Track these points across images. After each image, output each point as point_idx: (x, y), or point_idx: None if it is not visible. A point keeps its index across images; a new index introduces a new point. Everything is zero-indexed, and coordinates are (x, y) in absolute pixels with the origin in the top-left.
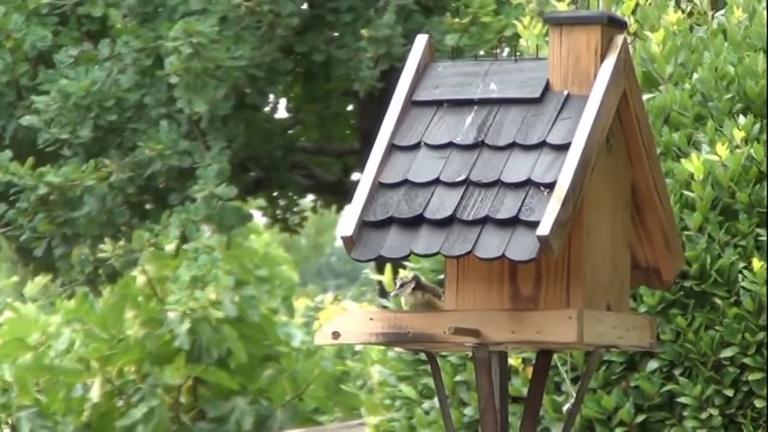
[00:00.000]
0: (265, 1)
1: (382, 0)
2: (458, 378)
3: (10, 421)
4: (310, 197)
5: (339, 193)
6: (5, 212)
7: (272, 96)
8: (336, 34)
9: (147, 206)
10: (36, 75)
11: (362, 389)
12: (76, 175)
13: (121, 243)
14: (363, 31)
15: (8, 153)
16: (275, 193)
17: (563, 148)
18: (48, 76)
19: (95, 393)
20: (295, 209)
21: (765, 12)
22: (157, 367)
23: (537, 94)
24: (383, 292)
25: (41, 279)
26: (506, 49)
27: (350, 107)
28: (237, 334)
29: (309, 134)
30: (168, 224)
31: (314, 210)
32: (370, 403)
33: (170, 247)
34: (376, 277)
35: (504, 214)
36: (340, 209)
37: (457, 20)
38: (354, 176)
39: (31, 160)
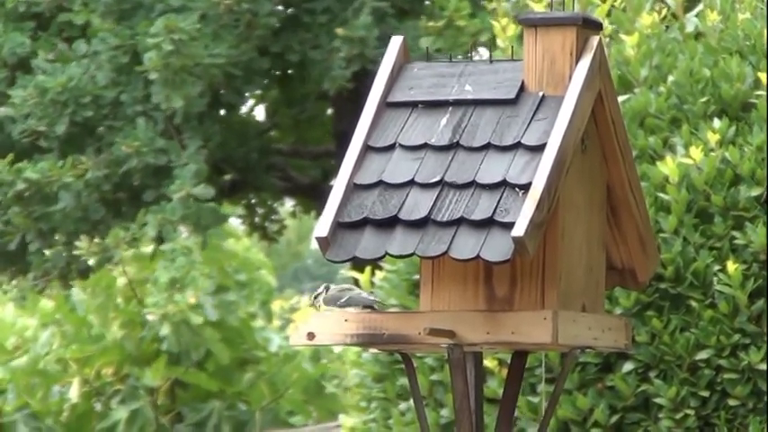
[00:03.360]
0: (244, 0)
1: (358, 1)
2: (434, 378)
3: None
4: (289, 203)
5: (316, 197)
6: None
7: (248, 96)
8: (311, 35)
9: (122, 204)
10: (14, 81)
11: (340, 388)
12: (53, 171)
13: (96, 240)
14: (339, 30)
15: None
16: (253, 200)
17: (538, 149)
18: (26, 81)
19: (74, 394)
20: (273, 216)
21: (766, 11)
22: (137, 369)
23: (512, 95)
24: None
25: (39, 306)
26: (481, 52)
27: (328, 111)
28: (218, 336)
29: (285, 137)
30: (145, 223)
31: (293, 215)
32: (347, 403)
33: (148, 249)
34: (351, 274)
35: (479, 215)
36: (318, 214)
37: (432, 23)
38: (331, 180)
39: (10, 156)
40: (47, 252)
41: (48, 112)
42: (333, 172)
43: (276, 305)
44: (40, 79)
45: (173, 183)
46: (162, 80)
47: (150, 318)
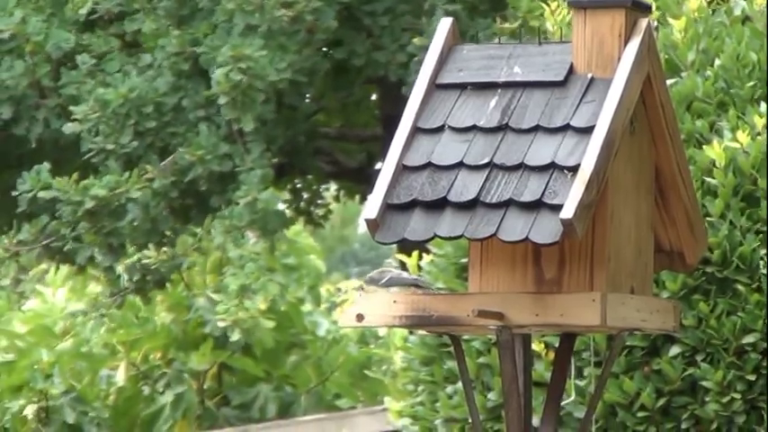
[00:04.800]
0: (307, 11)
1: (428, 3)
2: (481, 361)
3: (45, 406)
4: (333, 187)
5: (362, 181)
6: (47, 225)
7: (308, 96)
8: (374, 38)
9: (191, 209)
10: (59, 76)
11: (386, 375)
12: (120, 185)
13: (165, 249)
14: (415, 41)
15: (46, 165)
16: (299, 185)
17: (587, 131)
18: (71, 77)
19: (121, 378)
20: (319, 201)
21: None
22: (183, 353)
23: (561, 77)
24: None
25: (90, 289)
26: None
27: (373, 96)
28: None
29: (332, 120)
30: (212, 228)
31: (336, 199)
32: (393, 388)
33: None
34: (399, 257)
35: (527, 197)
36: (363, 198)
37: (507, 24)
38: (378, 165)
39: (74, 176)
40: (118, 267)
41: (111, 125)
42: (378, 156)
43: (323, 289)
44: (100, 92)
45: (239, 188)
46: (231, 103)
47: (221, 324)
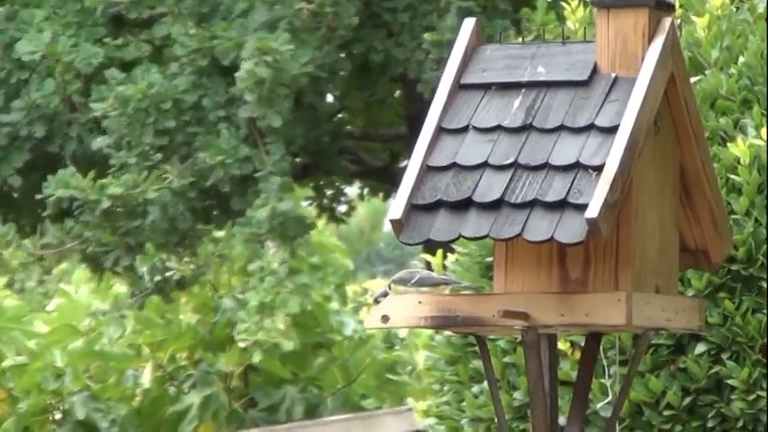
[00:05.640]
0: (327, 3)
1: (444, 1)
2: (507, 360)
3: (61, 407)
4: (357, 185)
5: (386, 180)
6: (72, 228)
7: (329, 95)
8: (393, 34)
9: (211, 210)
10: (89, 91)
11: (411, 376)
12: (139, 184)
13: (187, 259)
14: (426, 36)
15: (72, 169)
16: (321, 182)
17: (611, 130)
18: (100, 92)
19: (147, 379)
20: (342, 198)
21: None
22: (210, 354)
23: (585, 77)
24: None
25: (113, 290)
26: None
27: (396, 93)
28: (291, 321)
29: (356, 120)
30: (232, 236)
31: (360, 197)
32: (416, 390)
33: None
34: (425, 257)
35: (552, 197)
36: (387, 196)
37: (521, 39)
38: (402, 163)
39: (92, 173)
40: (140, 269)
41: (132, 121)
42: (402, 154)
43: (350, 289)
44: (119, 90)
45: (258, 191)
46: (257, 99)
47: (242, 345)
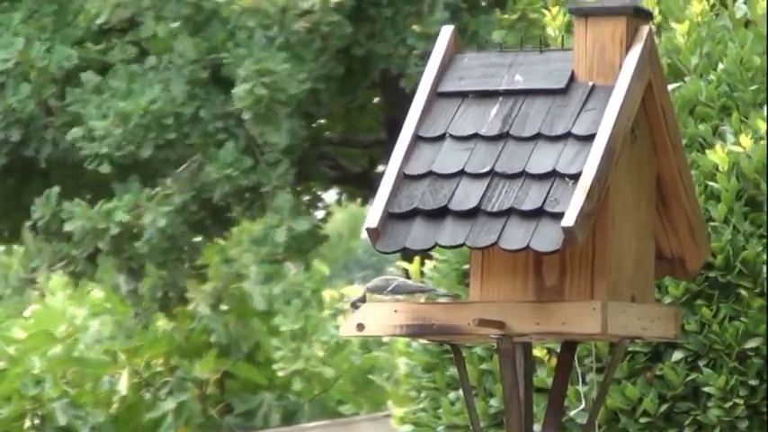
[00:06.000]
0: (323, 22)
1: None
2: (484, 367)
3: (40, 413)
4: (334, 190)
5: (364, 185)
6: (61, 250)
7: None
8: (377, 28)
9: (205, 222)
10: (63, 94)
11: (389, 380)
12: (141, 203)
13: (204, 287)
14: (415, 27)
15: (56, 189)
16: (299, 188)
17: (588, 139)
18: (75, 95)
19: (123, 385)
20: (320, 204)
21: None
22: (186, 360)
23: (562, 85)
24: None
25: (89, 296)
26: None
27: (376, 99)
28: (267, 328)
29: (335, 126)
30: (243, 256)
31: (338, 202)
32: (396, 395)
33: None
34: (402, 264)
35: (528, 205)
36: (365, 201)
37: (506, 15)
38: (380, 168)
39: (101, 204)
40: (142, 290)
41: (133, 137)
42: (381, 160)
43: (327, 294)
44: (120, 105)
45: (263, 207)
46: (255, 117)
47: (281, 374)
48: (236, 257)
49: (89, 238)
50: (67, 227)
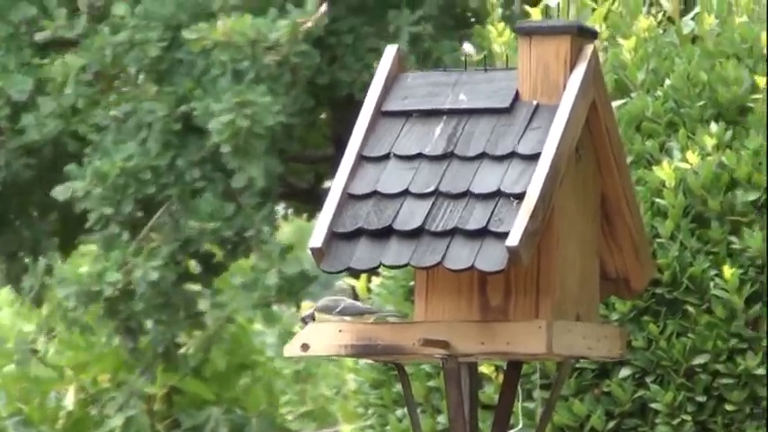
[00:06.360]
0: (292, 53)
1: (393, 26)
2: (431, 384)
3: None
4: (281, 205)
5: (311, 201)
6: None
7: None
8: (337, 57)
9: (192, 268)
10: (18, 118)
11: (338, 395)
12: (128, 258)
13: (197, 332)
14: (376, 64)
15: (42, 263)
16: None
17: (533, 158)
18: (29, 120)
19: (70, 401)
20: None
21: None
22: (133, 376)
23: (506, 104)
24: (356, 298)
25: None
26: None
27: (322, 115)
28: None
29: (292, 141)
30: (234, 296)
31: (285, 217)
32: (345, 410)
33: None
34: (349, 282)
35: (473, 225)
36: (311, 216)
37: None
38: (327, 184)
39: (92, 263)
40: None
41: (111, 195)
42: (328, 175)
43: (275, 308)
44: (96, 165)
45: (250, 248)
46: (234, 150)
47: (289, 418)
48: (226, 302)
49: (83, 302)
50: (60, 292)
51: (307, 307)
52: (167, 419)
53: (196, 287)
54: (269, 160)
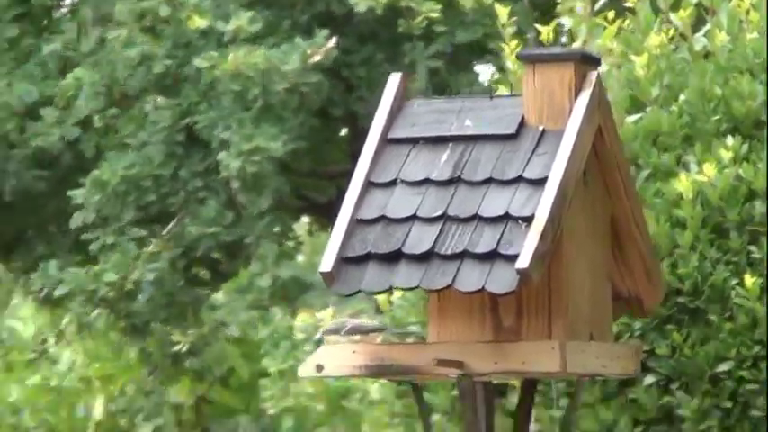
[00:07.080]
0: (302, 82)
1: (409, 58)
2: (456, 393)
3: None
4: (305, 219)
5: (332, 215)
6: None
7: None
8: (353, 87)
9: (198, 272)
10: (24, 129)
11: (362, 404)
12: (129, 263)
13: (191, 330)
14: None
15: (54, 263)
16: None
17: (540, 182)
18: (36, 129)
19: (98, 412)
20: (290, 234)
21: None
22: (162, 385)
23: (512, 130)
24: (380, 309)
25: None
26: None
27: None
28: (239, 352)
29: (301, 161)
30: (232, 300)
31: (309, 232)
32: (371, 419)
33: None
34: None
35: (482, 248)
36: None
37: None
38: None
39: (95, 269)
40: (150, 347)
41: (112, 205)
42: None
43: (299, 318)
44: (95, 174)
45: (249, 254)
46: (242, 186)
47: (271, 412)
48: (220, 304)
49: (80, 300)
50: (58, 292)
51: (329, 315)
52: (197, 428)
53: (204, 291)
54: (276, 181)
